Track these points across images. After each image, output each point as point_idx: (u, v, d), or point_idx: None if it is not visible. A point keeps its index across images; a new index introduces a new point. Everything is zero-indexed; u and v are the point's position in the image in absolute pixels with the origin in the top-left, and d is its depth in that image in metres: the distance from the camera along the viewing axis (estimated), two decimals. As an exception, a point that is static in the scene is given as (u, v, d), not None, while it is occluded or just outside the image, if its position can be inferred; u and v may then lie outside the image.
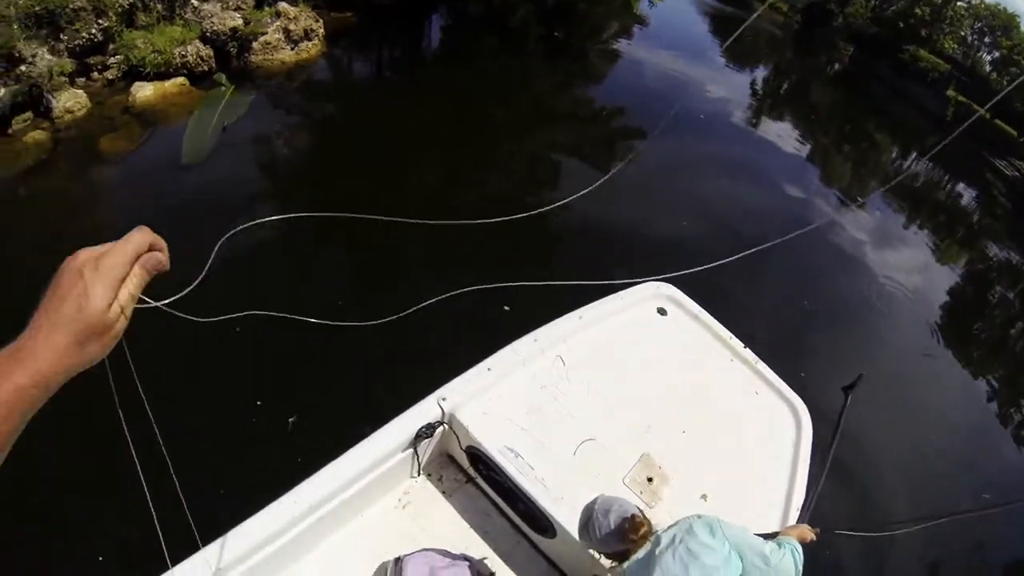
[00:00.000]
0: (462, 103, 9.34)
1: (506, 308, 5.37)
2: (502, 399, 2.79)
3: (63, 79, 6.38)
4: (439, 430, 2.66)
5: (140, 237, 0.72)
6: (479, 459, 2.69)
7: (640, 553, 1.87)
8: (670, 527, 1.89)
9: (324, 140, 7.65)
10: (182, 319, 0.92)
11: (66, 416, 3.52)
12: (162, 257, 0.74)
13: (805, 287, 8.24)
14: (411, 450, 2.61)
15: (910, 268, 11.05)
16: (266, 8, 8.40)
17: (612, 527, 1.93)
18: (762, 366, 3.69)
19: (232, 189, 6.12)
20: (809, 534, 2.15)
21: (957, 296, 11.37)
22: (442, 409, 2.67)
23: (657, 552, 1.79)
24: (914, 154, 22.42)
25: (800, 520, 2.70)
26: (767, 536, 2.15)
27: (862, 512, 5.20)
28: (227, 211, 5.69)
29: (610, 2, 16.62)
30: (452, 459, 2.92)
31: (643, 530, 1.93)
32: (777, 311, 7.27)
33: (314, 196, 6.53)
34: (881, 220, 13.03)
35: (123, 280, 0.68)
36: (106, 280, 0.65)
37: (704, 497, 2.81)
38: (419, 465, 2.72)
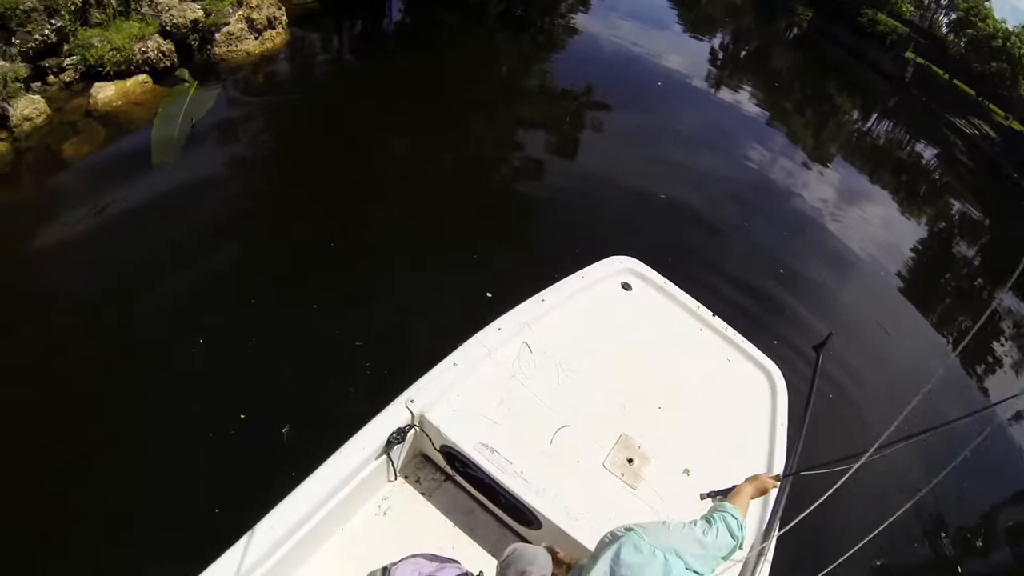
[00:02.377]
0: (427, 83, 9.27)
1: (488, 295, 5.31)
2: (471, 394, 2.73)
3: (18, 85, 6.13)
4: (411, 433, 2.60)
5: None
6: (455, 458, 2.65)
7: None
8: (594, 562, 1.77)
9: (294, 129, 7.54)
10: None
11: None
12: None
13: (774, 252, 8.31)
14: (384, 456, 2.56)
15: (876, 227, 11.34)
16: (227, -3, 8.17)
17: None
18: (732, 333, 3.68)
19: (206, 188, 5.99)
20: (769, 483, 2.15)
21: (921, 252, 11.77)
22: (411, 412, 2.61)
23: None
24: (875, 115, 22.85)
25: (785, 477, 2.74)
26: (717, 494, 2.18)
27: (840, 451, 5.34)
28: (204, 212, 5.61)
29: None
30: (428, 458, 2.85)
31: None
32: (746, 277, 7.31)
33: (287, 186, 6.47)
34: (846, 180, 13.32)
35: None
36: None
37: (687, 471, 2.81)
38: (395, 469, 2.65)
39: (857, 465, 1.87)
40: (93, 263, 4.91)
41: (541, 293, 3.33)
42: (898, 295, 9.40)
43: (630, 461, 2.74)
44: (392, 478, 2.68)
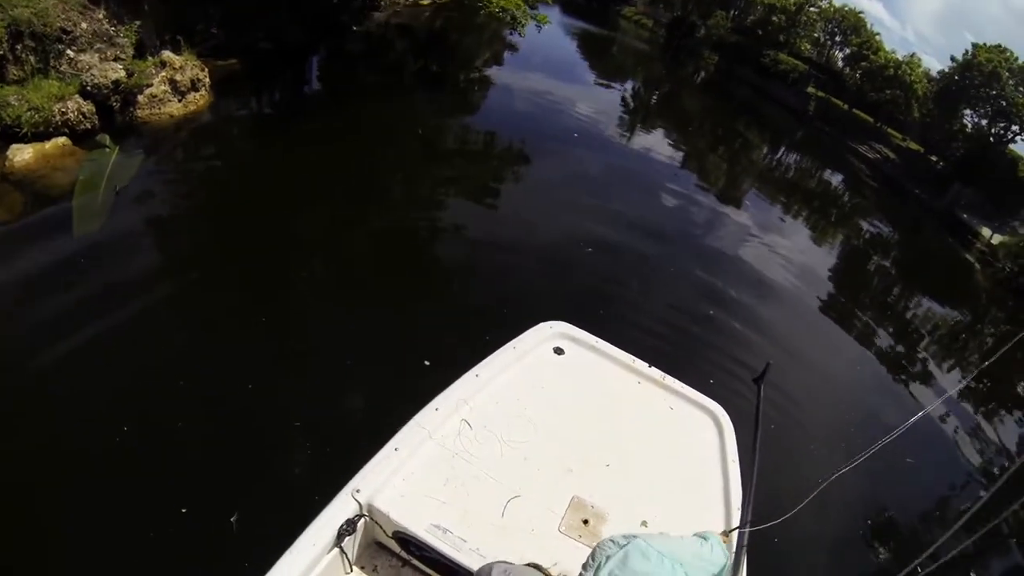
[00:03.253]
0: (349, 144, 9.35)
1: (426, 363, 5.22)
2: (417, 477, 2.70)
3: None
4: (360, 523, 2.56)
5: None
6: (408, 542, 2.59)
7: None
8: (596, 570, 1.77)
9: (218, 197, 7.33)
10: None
11: None
12: None
13: (702, 291, 8.47)
14: (337, 550, 2.49)
15: (794, 253, 11.71)
16: (149, 58, 8.07)
17: None
18: (671, 380, 3.69)
19: (130, 260, 5.69)
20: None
21: (838, 271, 12.42)
22: (358, 502, 2.56)
23: None
24: (783, 148, 24.25)
25: (743, 516, 2.80)
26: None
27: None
28: (127, 287, 5.30)
29: (480, 32, 17.19)
30: (383, 546, 2.79)
31: None
32: (678, 321, 7.41)
33: (214, 257, 6.25)
34: (762, 212, 13.82)
35: None
36: None
37: (644, 523, 2.79)
38: (350, 562, 2.58)
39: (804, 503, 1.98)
40: (7, 341, 4.54)
41: (474, 368, 3.31)
42: (821, 315, 9.77)
43: (585, 522, 2.73)
44: (348, 571, 2.62)
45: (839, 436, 6.53)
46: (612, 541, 1.81)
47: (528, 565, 1.92)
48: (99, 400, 4.25)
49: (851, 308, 10.65)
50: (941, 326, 12.29)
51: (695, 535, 1.98)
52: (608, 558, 1.76)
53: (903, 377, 9.06)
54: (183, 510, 3.68)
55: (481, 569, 1.88)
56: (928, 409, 7.47)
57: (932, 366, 10.00)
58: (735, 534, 2.56)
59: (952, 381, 9.60)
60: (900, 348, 10.03)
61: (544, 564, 2.11)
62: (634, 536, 1.79)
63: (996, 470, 7.65)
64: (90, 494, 3.64)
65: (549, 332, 3.74)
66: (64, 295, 5.04)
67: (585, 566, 1.80)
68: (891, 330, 10.52)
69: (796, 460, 5.87)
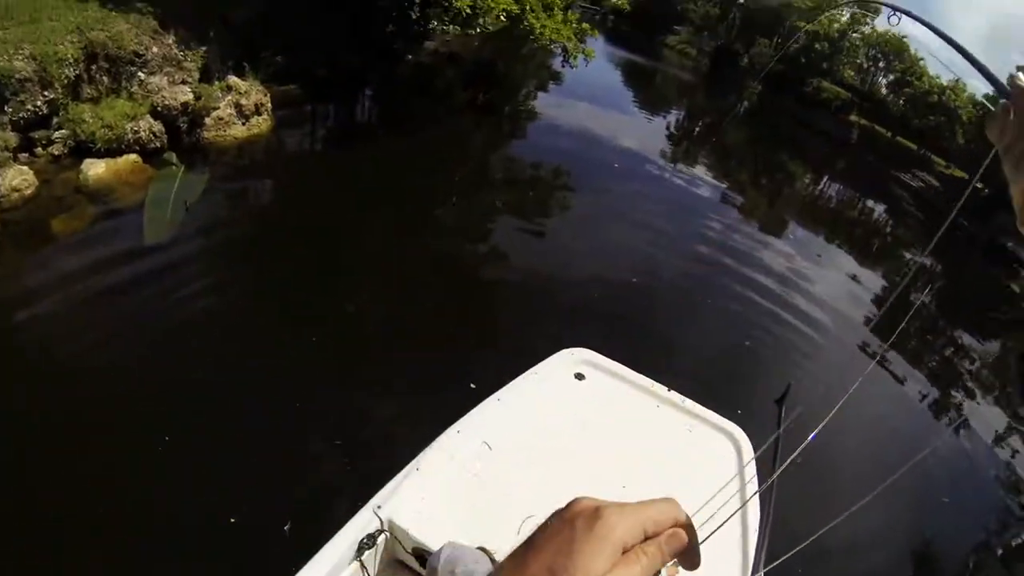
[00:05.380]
0: (398, 170, 9.62)
1: (472, 386, 5.22)
2: (436, 496, 2.78)
3: (7, 155, 6.08)
4: (381, 538, 2.64)
5: (666, 509, 0.57)
6: (426, 559, 2.59)
7: None
8: None
9: (278, 215, 7.65)
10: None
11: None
12: (688, 544, 0.57)
13: (733, 323, 8.40)
14: (357, 563, 2.57)
15: (834, 285, 11.57)
16: (216, 82, 8.45)
17: None
18: (690, 403, 3.72)
19: (195, 273, 5.93)
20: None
21: (879, 301, 12.16)
22: (379, 517, 2.66)
23: None
24: (826, 177, 23.94)
25: (760, 537, 2.86)
26: None
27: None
28: (187, 294, 5.57)
29: (527, 61, 17.65)
30: (403, 564, 2.84)
31: None
32: (709, 352, 7.32)
33: (269, 274, 6.50)
34: (804, 244, 13.70)
35: (627, 550, 0.51)
36: (599, 543, 0.49)
37: None
38: None
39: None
40: (79, 341, 4.75)
41: (496, 393, 3.41)
42: (858, 348, 9.50)
43: None
44: None
45: (870, 467, 6.31)
46: None
47: (477, 548, 1.99)
48: (146, 403, 4.41)
49: (891, 339, 10.40)
50: (983, 357, 11.97)
51: None
52: None
53: (941, 410, 8.94)
54: (231, 520, 3.79)
55: (435, 553, 1.97)
56: (940, 438, 7.31)
57: (975, 398, 9.82)
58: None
59: (993, 412, 9.44)
60: (940, 380, 9.84)
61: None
62: None
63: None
64: (130, 501, 3.73)
65: (570, 359, 3.83)
66: (126, 298, 5.32)
67: None
68: (933, 363, 10.29)
69: (824, 488, 5.65)
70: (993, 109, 0.66)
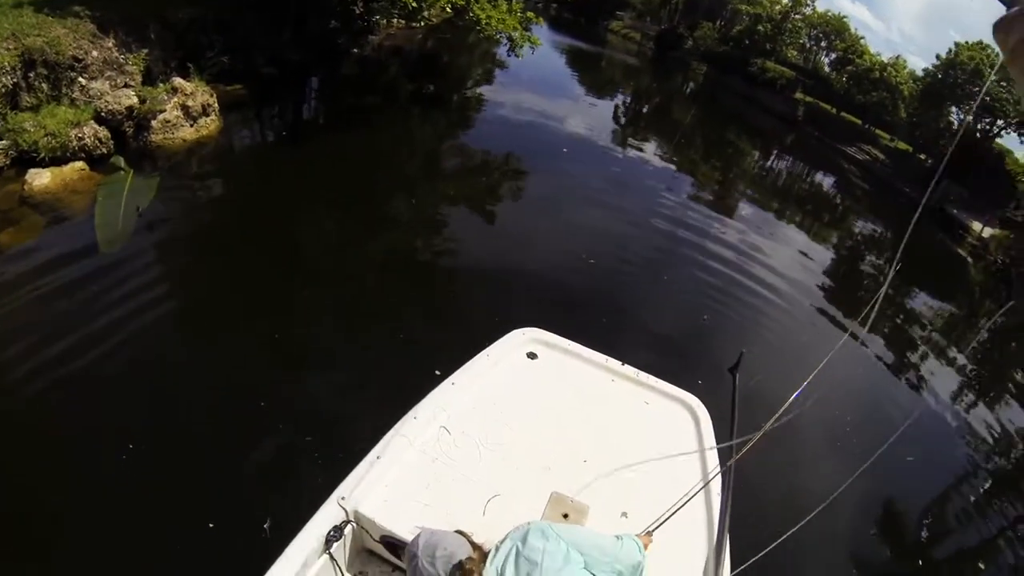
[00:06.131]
0: (348, 164, 9.64)
1: (437, 372, 5.30)
2: (399, 483, 2.78)
3: None
4: (348, 529, 2.65)
5: None
6: (395, 546, 2.66)
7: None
8: (504, 541, 1.93)
9: (231, 215, 7.55)
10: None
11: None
12: None
13: (690, 298, 8.50)
14: (327, 556, 2.58)
15: (788, 256, 11.86)
16: (160, 84, 8.30)
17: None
18: (644, 376, 3.75)
19: (150, 276, 5.89)
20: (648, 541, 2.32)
21: (831, 272, 12.62)
22: (344, 509, 2.66)
23: (496, 572, 1.82)
24: (774, 153, 24.55)
25: (723, 501, 2.93)
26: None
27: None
28: (146, 300, 5.50)
29: (472, 51, 17.70)
30: (373, 553, 2.87)
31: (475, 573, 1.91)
32: (667, 328, 7.39)
33: (227, 274, 6.42)
34: (755, 217, 13.97)
35: None
36: None
37: (625, 515, 2.86)
38: (340, 569, 2.64)
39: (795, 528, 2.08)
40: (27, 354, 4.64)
41: (450, 377, 3.42)
42: (816, 314, 9.82)
43: (565, 516, 2.80)
44: None
45: (836, 436, 6.48)
46: (527, 523, 1.98)
47: (455, 532, 2.03)
48: (111, 413, 4.38)
49: (845, 307, 10.77)
50: (936, 320, 12.46)
51: (615, 535, 2.09)
52: (514, 533, 1.94)
53: (900, 372, 9.17)
54: (210, 525, 3.78)
55: (412, 540, 2.00)
56: (918, 411, 7.61)
57: (930, 360, 10.18)
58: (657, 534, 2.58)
59: (949, 373, 9.77)
60: (896, 343, 10.16)
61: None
62: (548, 523, 1.96)
63: (996, 460, 7.76)
64: (96, 507, 3.72)
65: (522, 338, 3.86)
66: (84, 309, 5.20)
67: (501, 540, 1.96)
68: (887, 328, 10.67)
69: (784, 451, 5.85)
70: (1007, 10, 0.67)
